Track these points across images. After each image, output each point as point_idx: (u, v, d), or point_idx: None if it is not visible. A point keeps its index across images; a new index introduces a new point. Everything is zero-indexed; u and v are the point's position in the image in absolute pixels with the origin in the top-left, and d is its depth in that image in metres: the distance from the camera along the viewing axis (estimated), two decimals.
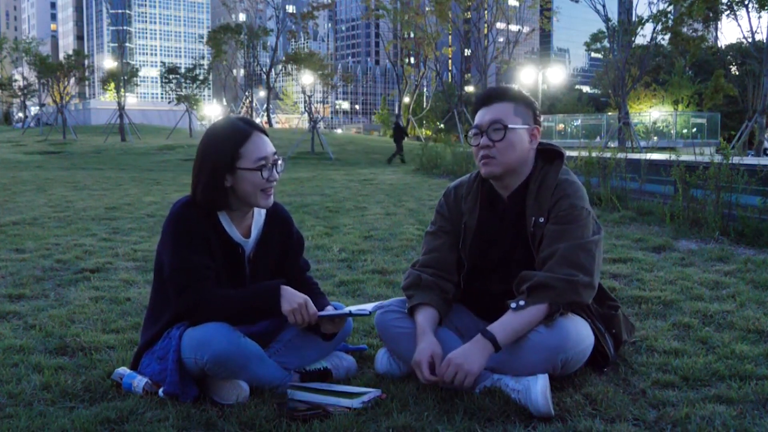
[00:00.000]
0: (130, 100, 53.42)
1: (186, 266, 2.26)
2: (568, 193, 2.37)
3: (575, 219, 2.34)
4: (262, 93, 58.11)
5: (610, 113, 39.09)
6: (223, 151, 2.30)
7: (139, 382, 2.30)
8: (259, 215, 2.49)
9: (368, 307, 2.34)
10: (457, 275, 2.54)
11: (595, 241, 2.35)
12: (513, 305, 2.27)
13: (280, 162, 2.38)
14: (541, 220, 2.38)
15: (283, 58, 43.81)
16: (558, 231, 2.33)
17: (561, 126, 41.05)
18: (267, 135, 2.37)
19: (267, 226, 2.49)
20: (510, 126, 2.37)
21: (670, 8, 25.95)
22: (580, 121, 42.72)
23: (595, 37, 46.22)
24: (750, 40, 24.62)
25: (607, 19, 25.74)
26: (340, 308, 2.47)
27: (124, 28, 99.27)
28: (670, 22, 26.06)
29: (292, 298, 2.29)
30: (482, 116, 2.42)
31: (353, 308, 2.39)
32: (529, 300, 2.26)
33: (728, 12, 25.74)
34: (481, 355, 2.20)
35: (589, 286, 2.30)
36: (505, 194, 2.48)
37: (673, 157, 8.13)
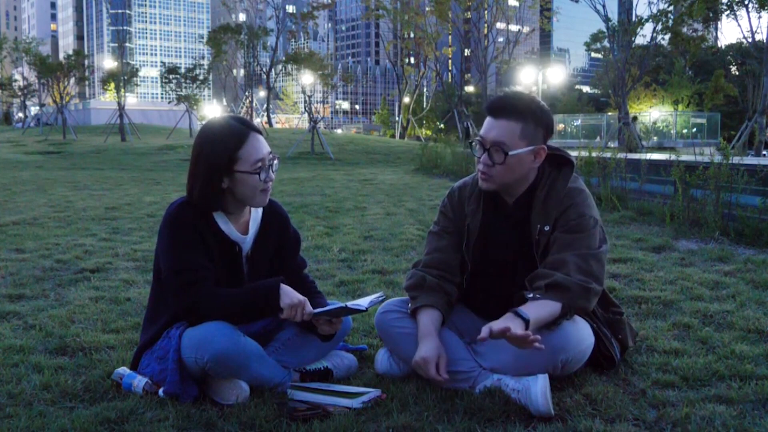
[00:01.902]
0: (130, 100, 53.34)
1: (184, 267, 2.26)
2: (576, 202, 2.36)
3: (584, 228, 2.33)
4: (262, 93, 58.07)
5: (610, 113, 39.08)
6: (220, 153, 2.28)
7: (139, 382, 2.30)
8: (256, 212, 2.49)
9: (364, 303, 2.34)
10: (460, 276, 2.54)
11: (605, 251, 2.36)
12: (530, 296, 2.24)
13: (275, 162, 2.37)
14: (547, 228, 2.36)
15: (283, 58, 43.76)
16: (567, 240, 2.31)
17: (561, 126, 41.02)
18: (262, 134, 2.36)
19: (264, 224, 2.49)
20: (511, 153, 2.31)
21: (670, 8, 25.96)
22: (580, 121, 42.70)
23: (595, 37, 46.20)
24: (750, 40, 24.62)
25: (607, 19, 25.74)
26: (336, 304, 2.48)
27: (124, 28, 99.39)
28: (670, 22, 26.07)
29: (291, 294, 2.30)
30: (488, 129, 2.35)
31: (349, 303, 2.39)
32: (545, 296, 2.23)
33: (728, 12, 25.74)
34: (517, 323, 2.11)
35: (598, 295, 2.33)
36: (510, 200, 2.46)
37: (673, 157, 8.13)
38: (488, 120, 2.37)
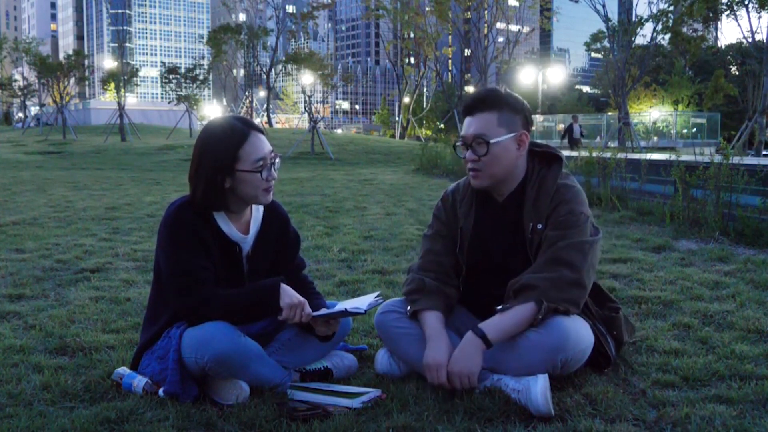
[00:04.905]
0: (130, 100, 53.34)
1: (184, 269, 2.26)
2: (566, 199, 2.36)
3: (573, 224, 2.33)
4: (262, 93, 58.07)
5: (610, 113, 39.09)
6: (222, 153, 2.28)
7: (139, 382, 2.29)
8: (257, 212, 2.48)
9: (363, 306, 2.34)
10: (456, 279, 2.54)
11: (589, 241, 2.33)
12: (499, 308, 2.29)
13: (277, 160, 2.37)
14: (539, 226, 2.36)
15: (283, 58, 43.75)
16: (556, 236, 2.33)
17: (561, 126, 41.03)
18: (263, 133, 2.36)
19: (265, 224, 2.49)
20: (493, 141, 2.34)
21: (671, 8, 25.98)
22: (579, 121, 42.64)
23: (595, 37, 46.20)
24: (750, 40, 24.65)
25: (607, 19, 25.76)
26: (335, 306, 2.47)
27: (124, 28, 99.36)
28: (670, 22, 26.09)
29: (291, 294, 2.30)
30: (467, 127, 2.40)
31: (348, 306, 2.38)
32: (514, 302, 2.27)
33: (728, 12, 25.77)
34: (476, 354, 2.22)
35: (575, 283, 2.28)
36: (500, 199, 2.47)
37: (673, 157, 8.13)
38: (466, 120, 2.42)
